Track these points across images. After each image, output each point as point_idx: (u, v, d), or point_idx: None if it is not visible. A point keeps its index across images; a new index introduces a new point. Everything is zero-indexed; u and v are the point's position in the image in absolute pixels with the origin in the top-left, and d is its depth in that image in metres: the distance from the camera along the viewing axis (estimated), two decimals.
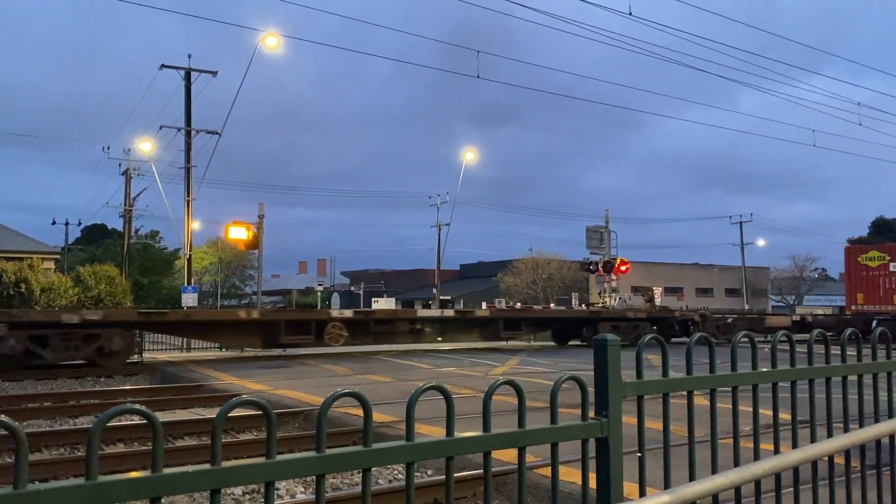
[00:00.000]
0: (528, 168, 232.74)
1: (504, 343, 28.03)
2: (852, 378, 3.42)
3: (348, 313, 23.10)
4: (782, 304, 74.48)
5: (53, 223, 65.95)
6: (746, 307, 61.50)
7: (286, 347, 21.95)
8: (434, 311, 26.06)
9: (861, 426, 3.35)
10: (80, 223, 69.10)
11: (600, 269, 35.49)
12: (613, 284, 36.17)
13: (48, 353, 17.58)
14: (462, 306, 49.47)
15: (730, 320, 31.28)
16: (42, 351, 17.55)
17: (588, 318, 27.54)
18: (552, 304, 46.91)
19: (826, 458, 3.13)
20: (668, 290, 65.77)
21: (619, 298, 37.33)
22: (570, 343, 28.65)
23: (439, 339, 25.03)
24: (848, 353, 3.41)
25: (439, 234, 52.22)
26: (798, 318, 33.91)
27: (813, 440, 3.09)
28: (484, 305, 38.26)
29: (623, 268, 35.81)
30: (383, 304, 43.78)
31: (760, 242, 71.01)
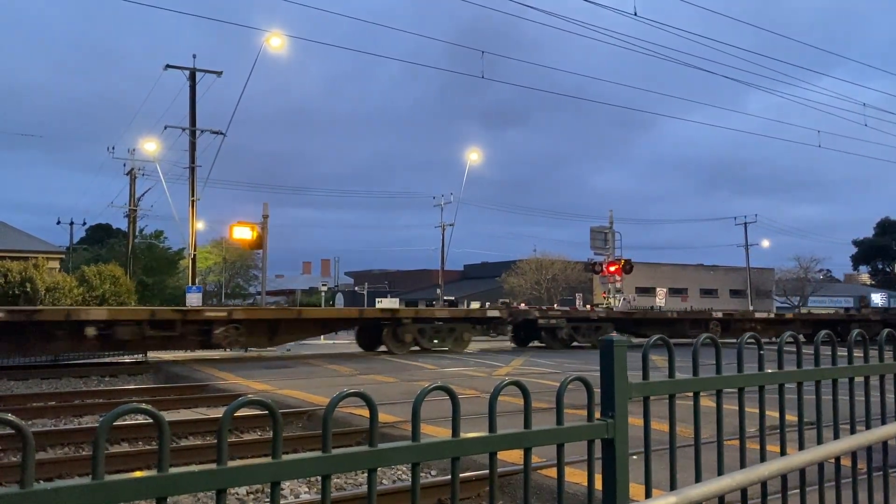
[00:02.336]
0: (534, 169, 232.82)
1: (507, 344, 28.60)
2: (859, 380, 3.40)
3: (719, 314, 31.72)
4: (787, 305, 74.28)
5: (58, 223, 66.28)
6: (751, 308, 61.35)
7: (690, 338, 28.00)
8: (763, 314, 34.09)
9: (867, 428, 3.34)
10: (84, 223, 69.51)
11: (604, 269, 35.45)
12: (617, 285, 36.14)
13: (579, 337, 26.81)
14: (466, 306, 49.42)
15: None
16: (576, 336, 26.72)
17: (842, 320, 34.60)
18: (555, 305, 46.91)
19: (832, 460, 3.12)
20: (672, 291, 65.67)
21: (623, 299, 37.30)
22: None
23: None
24: (855, 354, 3.40)
25: (443, 235, 52.27)
26: None
27: (819, 442, 3.07)
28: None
29: (627, 268, 35.76)
30: (387, 304, 43.82)
31: (765, 243, 70.93)
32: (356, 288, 78.45)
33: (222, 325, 20.05)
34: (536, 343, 27.42)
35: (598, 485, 2.34)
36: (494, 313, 25.67)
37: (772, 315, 34.74)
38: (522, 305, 39.45)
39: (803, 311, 64.01)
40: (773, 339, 27.49)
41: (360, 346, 24.94)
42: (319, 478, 1.84)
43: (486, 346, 27.63)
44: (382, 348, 23.67)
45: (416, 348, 23.35)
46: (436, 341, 23.67)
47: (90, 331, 18.11)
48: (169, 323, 19.36)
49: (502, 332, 27.06)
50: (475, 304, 47.53)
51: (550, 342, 26.49)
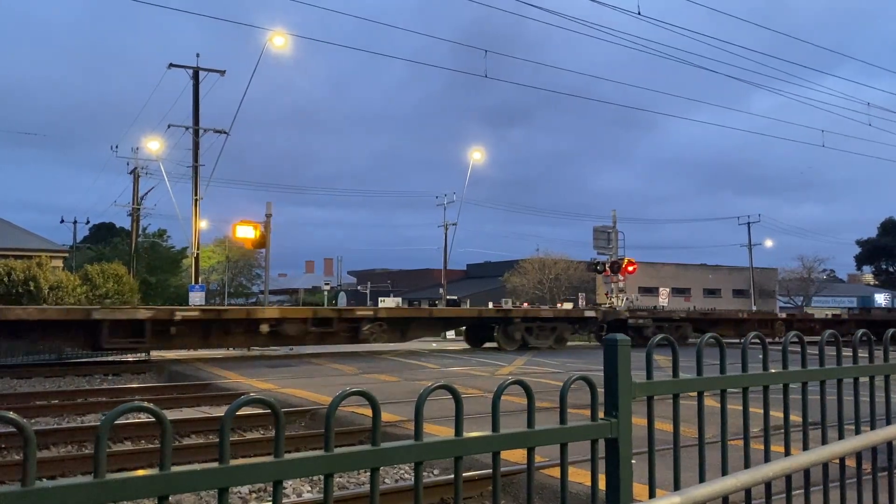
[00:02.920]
0: (538, 168, 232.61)
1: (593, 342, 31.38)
2: (864, 380, 3.39)
3: (783, 315, 34.55)
4: (790, 306, 74.14)
5: (62, 222, 66.45)
6: (754, 308, 61.26)
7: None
8: (821, 315, 37.47)
9: (872, 428, 3.32)
10: (88, 222, 69.56)
11: (607, 269, 35.38)
12: (620, 285, 36.07)
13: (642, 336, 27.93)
14: (468, 306, 49.51)
15: None
16: (660, 334, 30.27)
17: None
18: (559, 305, 46.89)
19: (837, 461, 3.11)
20: (675, 291, 65.56)
21: (626, 299, 37.24)
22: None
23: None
24: (860, 354, 3.38)
25: (446, 234, 52.25)
26: None
27: (824, 442, 3.06)
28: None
29: (630, 268, 35.69)
30: (390, 303, 43.84)
31: (768, 243, 70.80)
32: (359, 287, 78.46)
33: (369, 322, 22.53)
34: None
35: (602, 485, 2.33)
36: (591, 314, 28.46)
37: (829, 316, 39.03)
38: (525, 305, 39.44)
39: (807, 310, 63.91)
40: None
41: (468, 342, 27.28)
42: (322, 477, 1.84)
43: (574, 344, 29.85)
44: (488, 345, 25.92)
45: (516, 346, 25.60)
46: (539, 339, 26.16)
47: (264, 327, 20.61)
48: (327, 320, 21.91)
49: (594, 331, 29.43)
50: (485, 304, 47.48)
51: (638, 340, 29.26)
